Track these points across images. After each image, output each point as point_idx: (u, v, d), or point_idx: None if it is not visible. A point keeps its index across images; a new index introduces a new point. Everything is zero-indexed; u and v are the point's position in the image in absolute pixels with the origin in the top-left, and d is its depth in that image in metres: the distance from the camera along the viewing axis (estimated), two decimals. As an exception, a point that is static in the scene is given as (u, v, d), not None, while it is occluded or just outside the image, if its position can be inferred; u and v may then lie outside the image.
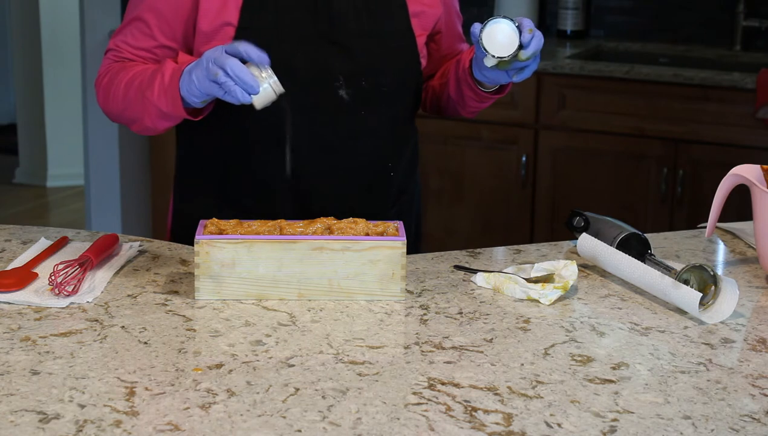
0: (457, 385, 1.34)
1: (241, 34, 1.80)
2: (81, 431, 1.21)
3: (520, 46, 1.71)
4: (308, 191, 1.88)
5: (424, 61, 1.94)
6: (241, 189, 1.90)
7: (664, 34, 4.05)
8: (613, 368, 1.40)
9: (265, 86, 1.63)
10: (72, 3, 5.35)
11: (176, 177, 2.02)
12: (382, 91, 1.88)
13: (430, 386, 1.33)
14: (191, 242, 1.79)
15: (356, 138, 1.88)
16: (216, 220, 1.64)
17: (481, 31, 1.71)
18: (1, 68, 6.98)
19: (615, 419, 1.27)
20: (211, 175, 1.93)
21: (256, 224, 1.65)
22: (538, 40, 1.72)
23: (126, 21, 1.87)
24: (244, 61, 1.63)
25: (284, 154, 1.86)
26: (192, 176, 1.97)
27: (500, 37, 1.71)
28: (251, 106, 1.64)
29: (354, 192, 1.91)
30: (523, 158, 3.70)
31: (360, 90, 1.86)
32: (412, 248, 2.02)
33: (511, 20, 1.71)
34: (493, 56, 1.71)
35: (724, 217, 1.89)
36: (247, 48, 1.62)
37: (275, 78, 1.63)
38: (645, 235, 1.80)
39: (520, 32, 1.70)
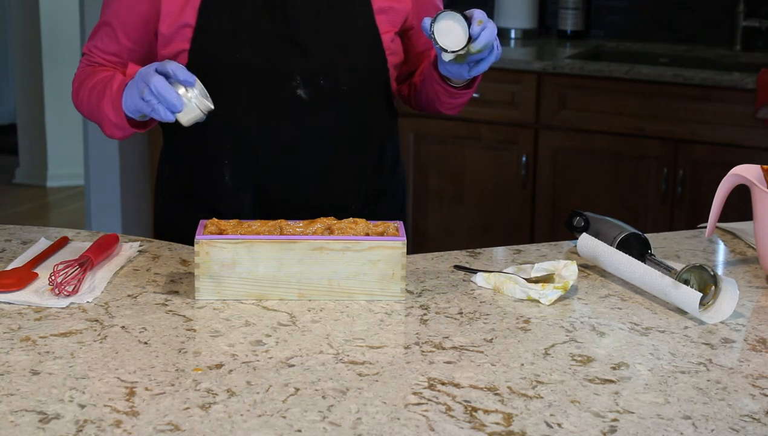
0: (457, 385, 1.34)
1: (198, 35, 1.82)
2: (81, 431, 1.21)
3: (470, 39, 1.67)
4: (269, 194, 1.89)
5: (393, 58, 1.91)
6: (208, 193, 1.92)
7: (664, 34, 4.05)
8: (613, 368, 1.40)
9: (190, 105, 1.63)
10: (72, 3, 5.36)
11: (156, 180, 2.05)
12: (341, 90, 1.86)
13: (430, 386, 1.33)
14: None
15: (316, 138, 1.87)
16: (216, 220, 1.64)
17: (431, 26, 1.67)
18: (1, 68, 6.98)
19: (615, 419, 1.27)
20: (183, 180, 1.96)
21: (256, 224, 1.65)
22: (489, 31, 1.67)
23: (96, 26, 1.92)
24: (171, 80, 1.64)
25: (236, 160, 1.87)
26: (167, 180, 2.01)
27: (451, 30, 1.67)
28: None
29: (316, 193, 1.90)
30: (523, 158, 3.70)
31: (318, 89, 1.85)
32: None
33: (460, 13, 1.67)
34: (445, 50, 1.69)
35: (724, 217, 1.89)
36: (174, 67, 1.62)
37: (201, 97, 1.63)
38: (645, 235, 1.80)
39: (469, 24, 1.67)
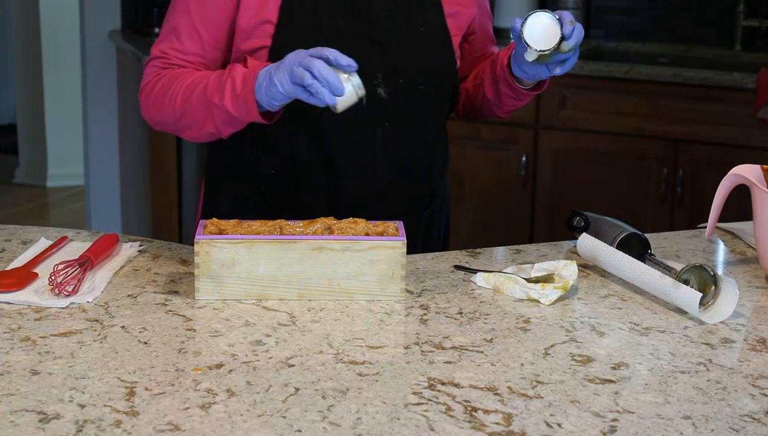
0: (457, 385, 1.34)
1: (280, 32, 1.81)
2: (81, 431, 1.21)
3: (562, 38, 1.71)
4: (343, 189, 1.88)
5: (459, 62, 1.94)
6: (274, 187, 1.89)
7: (664, 34, 4.05)
8: (613, 368, 1.40)
9: (348, 88, 1.63)
10: (72, 3, 5.36)
11: (206, 177, 2.02)
12: (418, 89, 1.87)
13: (430, 386, 1.33)
14: None
15: (392, 137, 1.88)
16: (216, 220, 1.64)
17: (522, 25, 1.71)
18: (1, 68, 6.98)
19: (615, 419, 1.27)
20: (244, 175, 1.92)
21: (256, 224, 1.65)
22: (579, 31, 1.72)
23: (170, 27, 1.86)
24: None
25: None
26: (224, 176, 1.96)
27: (541, 30, 1.71)
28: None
29: (388, 191, 1.90)
30: (523, 158, 3.70)
31: (398, 88, 1.85)
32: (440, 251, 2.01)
33: (552, 13, 1.71)
34: (535, 50, 1.72)
35: (724, 217, 1.89)
36: (332, 53, 1.62)
37: (359, 79, 1.63)
38: (645, 235, 1.80)
39: (561, 24, 1.70)
